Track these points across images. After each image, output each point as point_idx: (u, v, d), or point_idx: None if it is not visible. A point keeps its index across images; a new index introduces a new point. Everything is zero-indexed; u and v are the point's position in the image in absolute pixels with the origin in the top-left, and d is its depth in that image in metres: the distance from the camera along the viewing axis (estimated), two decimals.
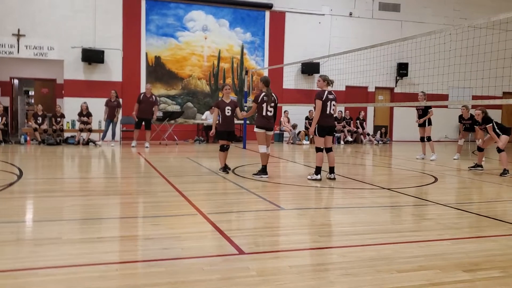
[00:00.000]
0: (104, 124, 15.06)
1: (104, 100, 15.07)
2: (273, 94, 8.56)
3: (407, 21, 19.65)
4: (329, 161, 8.27)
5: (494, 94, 17.24)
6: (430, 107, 12.34)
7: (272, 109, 8.46)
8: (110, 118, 14.86)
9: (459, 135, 13.29)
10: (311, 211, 5.97)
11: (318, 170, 8.12)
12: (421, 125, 12.61)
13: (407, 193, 7.17)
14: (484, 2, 20.30)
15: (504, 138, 9.73)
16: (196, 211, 5.53)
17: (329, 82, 8.25)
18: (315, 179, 8.09)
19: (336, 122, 16.91)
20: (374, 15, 19.53)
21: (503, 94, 19.83)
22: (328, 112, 8.09)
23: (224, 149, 8.84)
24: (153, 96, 14.70)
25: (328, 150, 8.29)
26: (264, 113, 8.41)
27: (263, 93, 8.43)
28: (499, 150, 9.70)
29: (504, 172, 9.38)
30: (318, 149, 8.19)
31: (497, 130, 9.74)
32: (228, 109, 8.82)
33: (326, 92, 8.09)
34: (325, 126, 8.14)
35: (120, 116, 15.36)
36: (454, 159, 12.47)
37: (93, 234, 4.53)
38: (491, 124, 9.79)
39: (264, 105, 8.39)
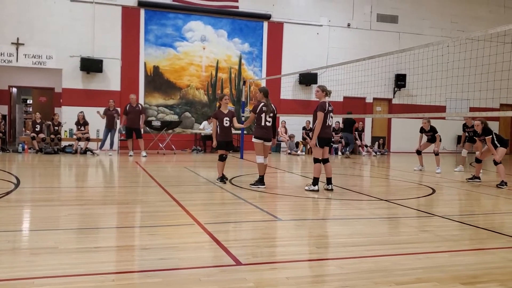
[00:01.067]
0: (102, 132, 15.08)
1: (102, 109, 15.06)
2: (272, 105, 8.58)
3: (405, 32, 19.75)
4: (326, 172, 8.25)
5: (491, 106, 17.31)
6: (436, 131, 12.48)
7: (271, 120, 8.47)
8: (108, 127, 14.88)
9: (461, 145, 13.26)
10: (309, 222, 5.96)
11: (315, 181, 8.11)
12: (430, 141, 12.70)
13: (405, 205, 7.15)
14: (482, 15, 20.48)
15: (501, 150, 9.73)
16: (193, 221, 5.51)
17: (327, 93, 8.25)
18: (313, 190, 8.08)
19: (333, 133, 16.94)
20: (372, 27, 19.64)
21: (500, 106, 19.91)
22: (327, 123, 8.11)
23: (223, 159, 8.84)
24: (139, 106, 14.82)
25: (325, 161, 8.27)
26: (262, 123, 8.42)
27: (262, 103, 8.44)
28: (496, 163, 9.70)
29: (502, 184, 9.38)
30: (316, 160, 8.17)
31: (496, 142, 9.75)
32: (226, 119, 8.84)
33: (327, 104, 8.11)
34: (325, 138, 8.15)
35: (118, 125, 15.35)
36: (455, 171, 12.41)
37: (90, 244, 4.50)
38: (491, 135, 9.79)
39: (263, 115, 8.40)
